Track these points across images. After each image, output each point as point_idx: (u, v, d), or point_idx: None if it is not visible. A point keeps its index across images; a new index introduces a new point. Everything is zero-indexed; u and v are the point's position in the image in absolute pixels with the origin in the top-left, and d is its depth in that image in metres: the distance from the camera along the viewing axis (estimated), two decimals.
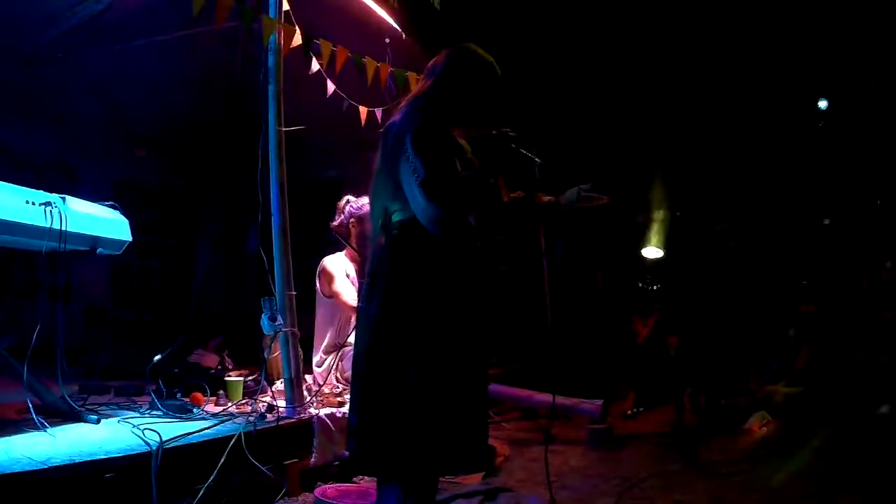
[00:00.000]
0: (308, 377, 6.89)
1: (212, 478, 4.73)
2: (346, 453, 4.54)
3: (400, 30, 7.69)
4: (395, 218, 3.78)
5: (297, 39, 6.21)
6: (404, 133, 3.69)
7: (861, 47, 12.08)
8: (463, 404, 3.76)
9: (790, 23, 12.09)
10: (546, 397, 8.68)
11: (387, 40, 7.60)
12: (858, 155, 12.78)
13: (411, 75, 6.95)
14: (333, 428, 5.98)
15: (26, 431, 4.86)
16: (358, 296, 6.30)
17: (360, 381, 3.83)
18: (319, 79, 6.59)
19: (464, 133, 4.07)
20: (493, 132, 3.99)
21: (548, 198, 4.02)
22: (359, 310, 3.96)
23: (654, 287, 11.40)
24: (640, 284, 11.48)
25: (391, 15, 7.57)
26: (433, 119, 3.81)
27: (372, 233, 3.99)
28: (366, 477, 5.47)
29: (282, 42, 6.18)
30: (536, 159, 3.95)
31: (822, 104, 13.46)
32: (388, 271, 3.76)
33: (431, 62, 4.08)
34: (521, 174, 4.02)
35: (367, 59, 6.88)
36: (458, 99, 3.94)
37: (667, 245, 11.65)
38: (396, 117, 3.87)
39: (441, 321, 3.72)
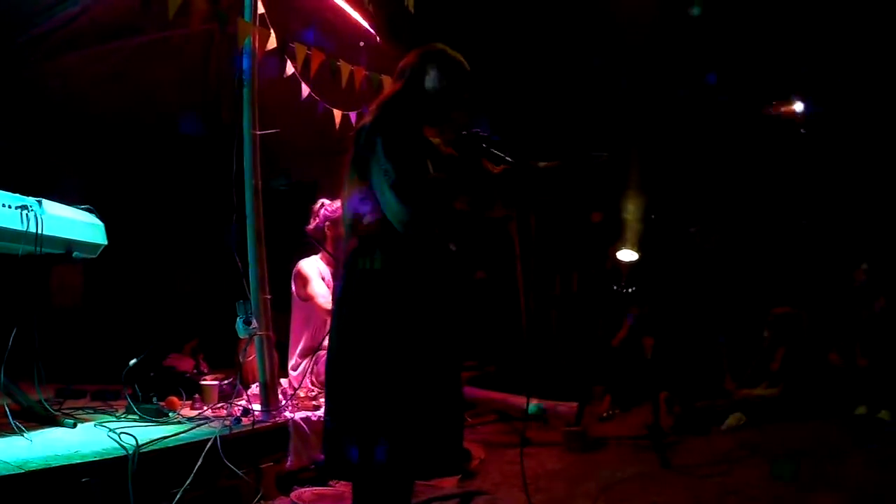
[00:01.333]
0: (283, 380, 6.89)
1: (188, 481, 4.74)
2: (322, 457, 4.53)
3: (374, 33, 7.69)
4: (367, 220, 3.77)
5: (272, 43, 6.21)
6: (375, 135, 3.69)
7: (837, 47, 12.14)
8: (436, 407, 3.76)
9: (765, 22, 12.14)
10: (522, 400, 8.70)
11: (361, 44, 7.61)
12: (835, 157, 12.83)
13: (386, 78, 6.95)
14: (309, 431, 5.97)
15: (3, 436, 4.86)
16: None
17: (333, 385, 3.85)
18: (294, 82, 6.59)
19: (436, 133, 4.08)
20: (464, 133, 3.99)
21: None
22: (332, 312, 3.97)
23: (629, 290, 11.41)
24: (615, 287, 11.47)
25: (366, 18, 7.58)
26: (404, 120, 3.82)
27: (344, 235, 4.00)
28: (341, 481, 5.47)
29: (256, 45, 6.17)
30: (508, 158, 3.95)
31: (798, 106, 13.50)
32: (359, 275, 3.76)
33: (401, 64, 4.09)
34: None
35: (341, 63, 6.88)
36: (429, 98, 3.96)
37: (641, 248, 11.67)
38: (367, 119, 3.88)
39: (413, 324, 3.72)
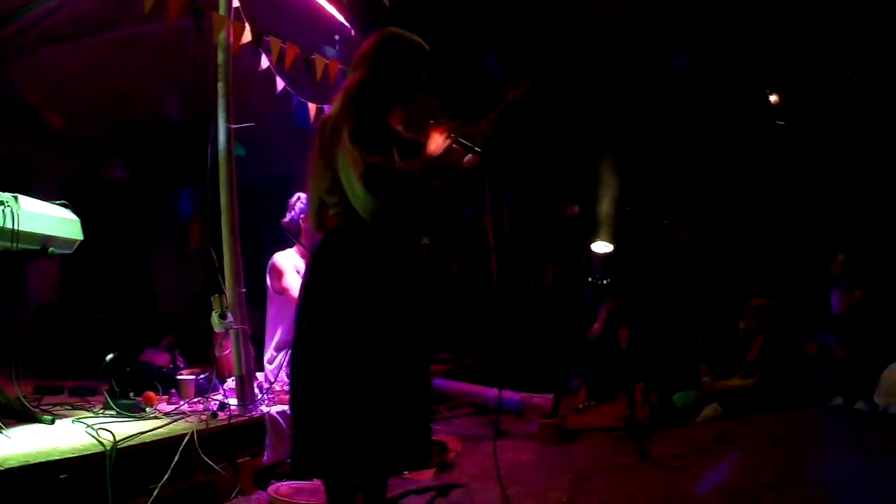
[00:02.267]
0: (260, 374, 6.88)
1: (165, 477, 4.73)
2: None
3: (349, 26, 7.68)
4: (333, 211, 3.78)
5: (247, 36, 6.18)
6: (341, 125, 3.69)
7: (811, 40, 12.18)
8: (403, 402, 3.78)
9: (741, 16, 12.17)
10: (497, 392, 8.72)
11: (336, 37, 7.60)
12: (811, 148, 12.89)
13: None
14: (285, 425, 5.96)
15: None
16: None
17: (298, 381, 3.86)
18: (269, 76, 6.58)
19: (400, 117, 4.09)
20: (432, 122, 3.99)
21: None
22: (297, 306, 3.97)
23: (605, 281, 11.43)
24: (590, 279, 11.49)
25: (340, 11, 7.56)
26: (369, 108, 3.83)
27: (311, 227, 4.00)
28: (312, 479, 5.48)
29: (231, 39, 6.15)
30: (477, 149, 3.96)
31: (773, 98, 13.55)
32: (326, 266, 3.77)
33: (359, 52, 4.09)
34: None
35: (316, 56, 6.87)
36: (392, 82, 3.97)
37: (616, 239, 11.69)
38: (332, 109, 3.89)
39: (380, 318, 3.73)
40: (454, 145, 3.97)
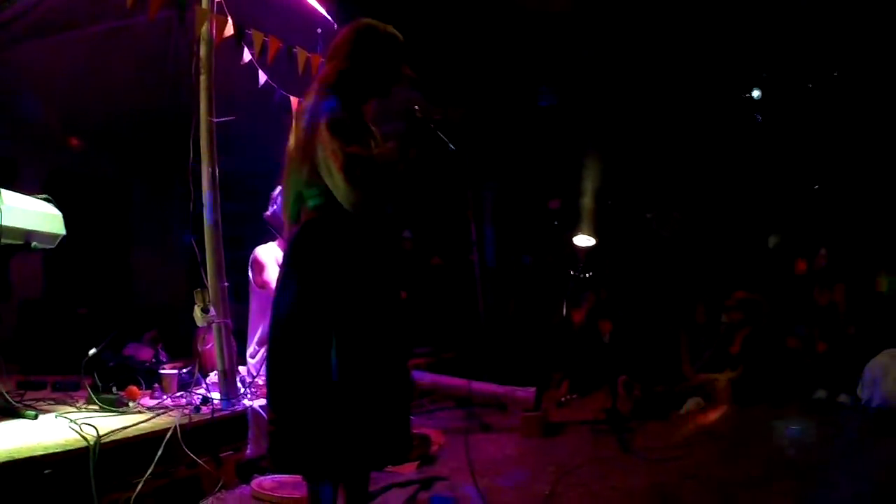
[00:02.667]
0: (242, 368, 6.88)
1: (149, 471, 4.73)
2: None
3: (331, 19, 7.67)
4: (311, 204, 3.79)
5: (230, 29, 6.17)
6: (318, 116, 3.69)
7: (792, 33, 12.21)
8: (381, 396, 3.78)
9: (724, 10, 12.19)
10: (481, 386, 8.73)
11: (318, 30, 7.59)
12: (793, 142, 12.92)
13: None
14: (267, 419, 5.97)
15: None
16: None
17: (274, 375, 3.85)
18: (251, 69, 6.57)
19: (378, 107, 4.10)
20: (416, 109, 3.99)
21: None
22: (274, 300, 3.95)
23: (587, 275, 11.44)
24: (572, 272, 11.50)
25: (322, 4, 7.54)
26: (345, 99, 3.82)
27: (287, 220, 3.99)
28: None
29: (214, 32, 6.14)
30: (451, 146, 3.96)
31: (756, 93, 13.57)
32: (303, 259, 3.77)
33: (332, 45, 4.10)
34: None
35: (298, 50, 6.86)
36: (367, 73, 3.97)
37: (598, 233, 11.71)
38: (308, 102, 3.88)
39: (358, 310, 3.72)
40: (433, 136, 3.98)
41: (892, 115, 11.69)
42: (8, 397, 5.47)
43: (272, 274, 6.93)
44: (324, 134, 3.62)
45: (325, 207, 3.71)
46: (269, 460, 3.96)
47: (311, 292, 3.70)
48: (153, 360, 7.54)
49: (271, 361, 3.87)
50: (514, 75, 12.52)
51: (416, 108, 3.96)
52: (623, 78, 12.91)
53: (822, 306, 9.89)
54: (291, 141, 3.86)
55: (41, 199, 5.79)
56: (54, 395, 6.53)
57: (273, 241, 7.23)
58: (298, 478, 5.31)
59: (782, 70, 12.96)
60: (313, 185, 3.72)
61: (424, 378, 9.16)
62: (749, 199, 13.37)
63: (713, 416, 8.28)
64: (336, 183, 3.58)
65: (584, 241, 10.86)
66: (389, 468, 5.81)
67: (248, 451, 5.85)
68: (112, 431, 4.83)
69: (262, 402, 6.14)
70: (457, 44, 11.06)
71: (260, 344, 7.05)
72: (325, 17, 7.58)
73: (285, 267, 3.87)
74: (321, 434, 3.62)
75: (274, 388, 3.83)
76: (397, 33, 4.08)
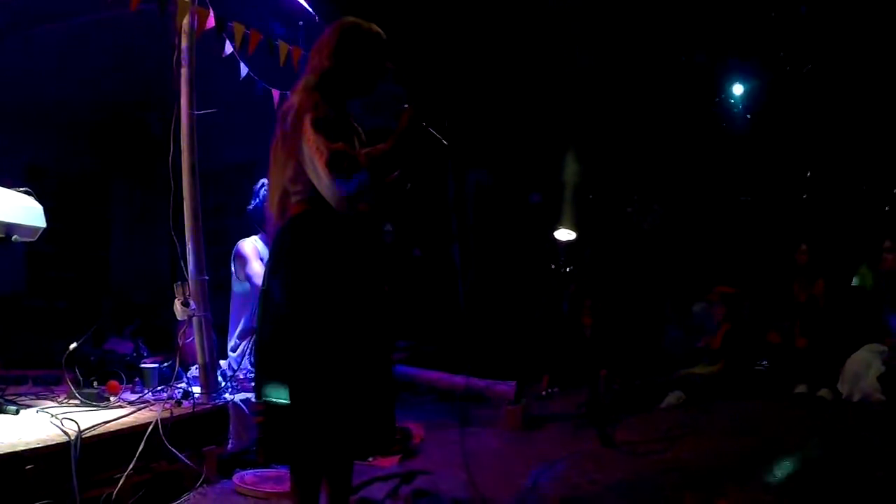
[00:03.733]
0: (223, 362, 6.87)
1: (130, 466, 4.72)
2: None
3: (313, 12, 7.66)
4: (295, 199, 3.79)
5: (211, 22, 6.16)
6: (303, 114, 3.69)
7: (771, 26, 12.25)
8: (366, 388, 3.80)
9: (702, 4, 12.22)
10: (461, 379, 8.73)
11: (300, 23, 7.58)
12: (777, 136, 12.96)
13: None
14: (249, 413, 5.96)
15: None
16: None
17: (262, 368, 3.86)
18: (232, 62, 6.56)
19: (362, 103, 4.11)
20: (406, 106, 3.98)
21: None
22: (259, 293, 3.97)
23: (568, 269, 11.46)
24: (553, 266, 11.53)
25: None
26: (329, 97, 3.83)
27: (273, 215, 3.99)
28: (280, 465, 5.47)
29: (195, 24, 6.13)
30: (444, 141, 3.95)
31: (739, 89, 13.61)
32: (288, 254, 3.77)
33: (318, 42, 4.09)
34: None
35: (279, 42, 6.85)
36: (352, 71, 3.97)
37: (579, 227, 11.73)
38: (293, 99, 3.88)
39: (342, 305, 3.74)
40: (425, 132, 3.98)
41: (871, 108, 11.74)
42: None
43: (255, 268, 6.92)
44: (308, 131, 3.62)
45: (310, 203, 3.72)
46: (260, 451, 3.96)
47: (296, 286, 3.70)
48: (134, 354, 7.53)
49: (258, 354, 3.87)
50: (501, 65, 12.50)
51: (407, 105, 3.95)
52: (603, 71, 12.92)
53: (802, 301, 9.92)
54: (277, 138, 3.85)
55: (21, 192, 5.76)
56: (35, 390, 6.50)
57: (255, 234, 7.22)
58: (280, 472, 5.33)
59: (764, 62, 12.98)
60: (298, 181, 3.73)
61: (405, 371, 9.16)
62: (730, 192, 13.41)
63: (695, 410, 8.30)
64: (321, 179, 3.58)
65: (564, 235, 10.88)
66: (371, 461, 5.86)
67: (230, 445, 5.85)
68: (93, 426, 4.81)
69: (244, 395, 6.14)
70: (441, 37, 11.06)
71: (241, 338, 7.04)
72: (306, 9, 7.58)
73: (271, 262, 3.87)
74: (310, 425, 3.62)
75: (261, 381, 3.82)
76: (381, 31, 4.07)
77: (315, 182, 3.63)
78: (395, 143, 3.86)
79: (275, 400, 3.69)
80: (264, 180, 7.11)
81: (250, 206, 7.15)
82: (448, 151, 3.97)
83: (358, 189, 3.61)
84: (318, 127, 3.63)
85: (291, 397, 3.64)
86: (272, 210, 3.95)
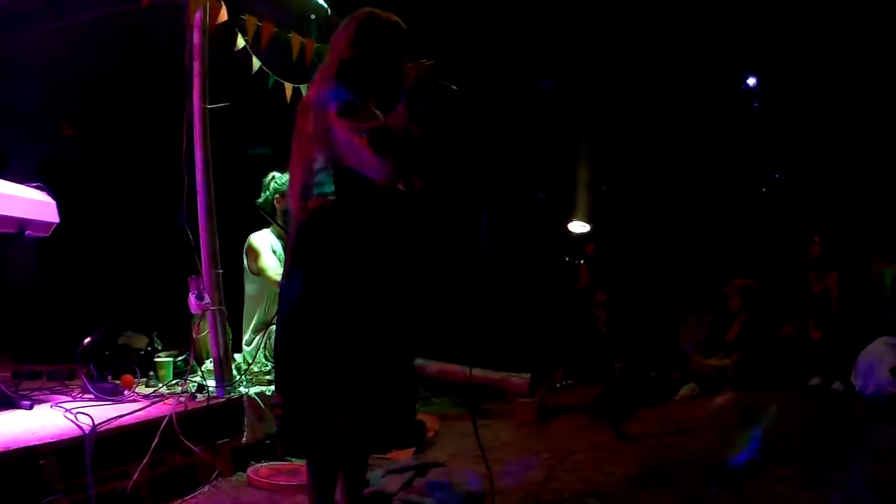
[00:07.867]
0: (237, 356, 6.87)
1: (145, 460, 4.72)
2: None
3: (325, 6, 7.65)
4: (318, 191, 3.76)
5: (223, 16, 6.15)
6: (325, 106, 3.68)
7: (788, 19, 12.19)
8: (388, 381, 3.79)
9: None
10: (476, 372, 8.72)
11: (312, 16, 7.57)
12: (791, 129, 12.91)
13: None
14: (263, 406, 5.97)
15: None
16: None
17: (282, 361, 3.85)
18: (245, 55, 6.55)
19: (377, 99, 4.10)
20: (409, 66, 3.95)
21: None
22: (280, 287, 3.97)
23: (581, 261, 11.44)
24: (567, 258, 11.51)
25: None
26: (352, 88, 3.81)
27: (293, 208, 3.97)
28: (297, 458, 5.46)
29: (207, 19, 6.12)
30: (453, 87, 3.93)
31: (752, 81, 13.56)
32: (310, 247, 3.75)
33: (335, 34, 4.07)
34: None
35: (292, 35, 6.84)
36: (371, 62, 3.95)
37: (593, 219, 11.71)
38: (315, 92, 3.86)
39: (364, 299, 3.72)
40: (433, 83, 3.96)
41: (885, 102, 11.68)
42: (2, 387, 5.45)
43: (267, 261, 6.92)
44: (337, 120, 3.61)
45: (333, 195, 3.70)
46: (280, 444, 3.97)
47: (317, 280, 3.69)
48: (148, 347, 7.53)
49: (280, 347, 3.87)
50: (513, 59, 12.46)
51: (409, 65, 3.93)
52: (617, 63, 12.88)
53: (816, 294, 9.89)
54: (296, 132, 3.85)
55: (34, 187, 5.76)
56: (49, 385, 6.51)
57: (267, 227, 7.22)
58: (294, 465, 5.32)
59: (778, 56, 12.92)
60: (322, 173, 3.71)
61: (420, 364, 9.15)
62: (744, 184, 13.37)
63: (709, 402, 8.29)
64: (364, 161, 3.57)
65: (578, 227, 10.87)
66: (388, 454, 5.86)
67: (244, 439, 5.85)
68: (107, 420, 4.81)
69: (258, 389, 6.15)
70: (455, 26, 11.03)
71: (255, 331, 7.05)
72: (318, 2, 7.56)
73: (292, 255, 3.85)
74: (330, 419, 3.61)
75: (282, 374, 3.82)
76: (400, 21, 4.05)
77: (357, 165, 3.62)
78: (409, 103, 3.84)
79: (294, 393, 3.70)
80: (274, 173, 7.11)
81: (260, 199, 7.16)
82: (459, 96, 3.95)
83: (402, 160, 3.62)
84: (346, 113, 3.63)
85: (311, 391, 3.64)
86: (293, 204, 3.94)
